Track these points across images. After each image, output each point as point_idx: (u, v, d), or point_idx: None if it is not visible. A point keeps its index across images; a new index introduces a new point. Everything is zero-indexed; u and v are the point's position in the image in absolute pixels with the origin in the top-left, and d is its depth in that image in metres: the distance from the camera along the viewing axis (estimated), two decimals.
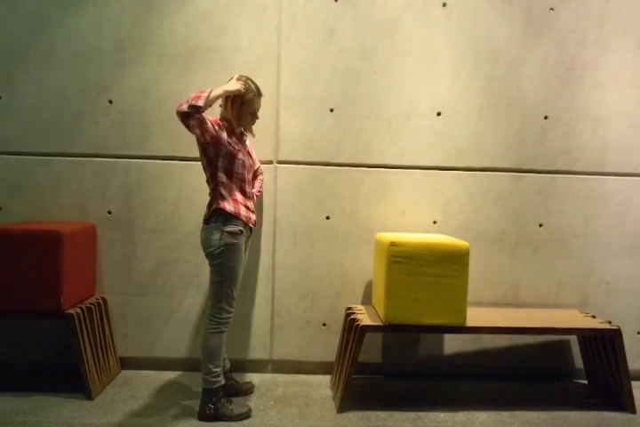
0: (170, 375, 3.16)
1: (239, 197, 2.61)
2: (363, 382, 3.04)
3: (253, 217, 2.69)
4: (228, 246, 2.54)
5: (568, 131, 3.22)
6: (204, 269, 3.18)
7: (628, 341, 3.04)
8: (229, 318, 2.62)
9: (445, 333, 3.03)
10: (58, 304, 2.72)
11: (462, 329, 2.73)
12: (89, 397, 2.78)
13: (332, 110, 3.15)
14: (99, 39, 3.09)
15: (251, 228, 2.70)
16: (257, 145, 3.14)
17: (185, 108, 2.39)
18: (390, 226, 3.15)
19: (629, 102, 3.22)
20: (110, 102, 3.12)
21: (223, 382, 2.64)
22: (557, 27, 3.17)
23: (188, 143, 3.13)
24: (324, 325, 3.22)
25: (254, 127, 2.78)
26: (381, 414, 2.73)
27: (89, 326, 2.87)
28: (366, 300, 3.20)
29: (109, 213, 3.16)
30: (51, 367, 3.13)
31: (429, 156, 3.19)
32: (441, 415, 2.74)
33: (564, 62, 3.19)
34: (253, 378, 3.14)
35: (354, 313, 2.95)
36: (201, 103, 2.39)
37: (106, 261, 3.17)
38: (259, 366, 3.24)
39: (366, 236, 3.17)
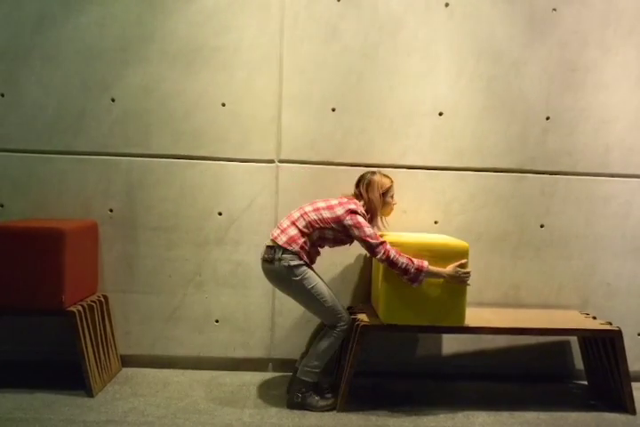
0: (171, 373, 3.16)
1: (311, 250, 2.76)
2: (363, 382, 3.04)
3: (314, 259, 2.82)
4: (299, 276, 2.67)
5: (570, 132, 3.21)
6: (206, 268, 3.19)
7: (629, 342, 3.03)
8: (344, 324, 2.73)
9: (445, 333, 3.04)
10: (59, 302, 2.72)
11: (462, 330, 2.73)
12: (90, 394, 2.79)
13: (333, 110, 3.16)
14: (102, 38, 3.10)
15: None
16: (258, 144, 3.15)
17: (385, 259, 2.60)
18: (391, 226, 3.15)
19: (632, 103, 3.22)
20: (113, 101, 3.12)
21: (318, 379, 2.76)
22: (560, 27, 3.16)
23: (191, 142, 3.15)
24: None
25: None
26: (381, 414, 2.73)
27: (90, 324, 2.88)
28: (367, 299, 3.20)
29: (111, 211, 3.16)
30: (52, 365, 3.13)
31: (431, 156, 3.20)
32: (441, 415, 2.74)
33: (566, 63, 3.18)
34: (254, 377, 3.14)
35: (354, 313, 2.95)
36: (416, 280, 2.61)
37: (107, 259, 3.18)
38: (259, 364, 3.25)
39: None
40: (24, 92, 3.11)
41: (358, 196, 2.81)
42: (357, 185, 2.84)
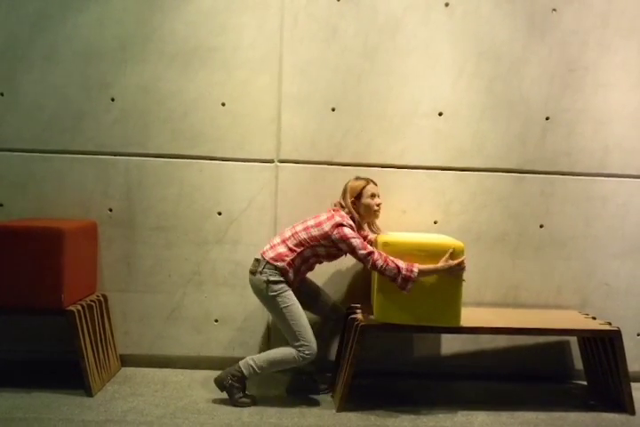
0: (170, 373, 3.16)
1: (301, 268, 2.78)
2: (362, 382, 3.04)
3: (295, 281, 2.80)
4: (276, 292, 2.68)
5: (569, 132, 3.22)
6: (205, 267, 3.19)
7: (628, 342, 3.04)
8: (311, 355, 2.70)
9: (443, 333, 3.03)
10: (58, 301, 2.72)
11: (459, 330, 2.73)
12: (89, 393, 2.78)
13: (333, 110, 3.16)
14: (100, 37, 3.09)
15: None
16: (258, 144, 3.15)
17: (374, 268, 2.61)
18: (391, 226, 3.15)
19: (631, 104, 3.22)
20: (112, 100, 3.12)
21: (248, 377, 2.74)
22: (560, 28, 3.16)
23: (189, 141, 3.15)
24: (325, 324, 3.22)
25: None
26: (380, 414, 2.73)
27: (89, 323, 2.88)
28: (366, 299, 3.19)
29: (110, 210, 3.16)
30: (51, 364, 3.13)
31: (431, 156, 3.20)
32: (440, 415, 2.74)
33: (566, 63, 3.18)
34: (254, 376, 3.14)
35: (354, 313, 2.95)
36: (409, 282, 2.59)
37: (107, 258, 3.18)
38: None
39: None
40: (23, 91, 3.10)
41: (340, 205, 2.82)
42: (339, 199, 2.86)
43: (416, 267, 2.58)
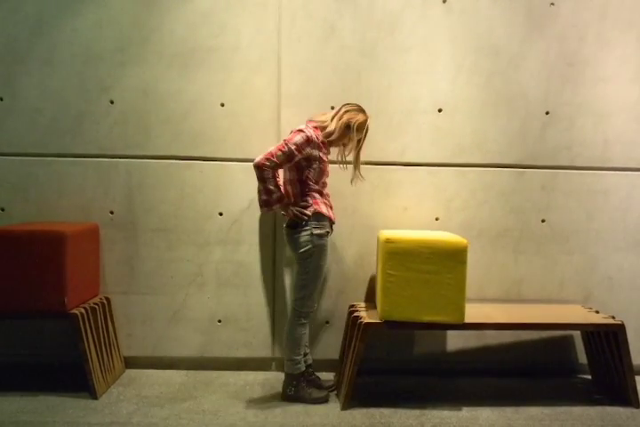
0: (174, 374, 3.17)
1: (325, 200, 2.81)
2: (367, 380, 3.05)
3: (333, 215, 2.84)
4: (317, 248, 2.71)
5: (569, 126, 3.21)
6: (207, 268, 3.19)
7: (632, 336, 3.03)
8: (310, 311, 2.80)
9: (447, 329, 3.03)
10: (62, 304, 2.73)
11: (463, 326, 2.73)
12: (94, 396, 2.79)
13: (332, 108, 3.14)
14: (99, 40, 3.09)
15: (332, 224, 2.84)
16: (258, 144, 3.14)
17: (259, 165, 2.63)
18: (392, 223, 3.15)
19: (631, 97, 3.21)
20: (111, 102, 3.12)
21: (303, 368, 2.82)
22: (558, 22, 3.15)
23: (190, 142, 3.15)
24: (328, 322, 3.23)
25: None
26: (385, 411, 2.73)
27: (93, 326, 2.88)
28: (369, 297, 3.20)
29: (112, 213, 3.16)
30: (55, 367, 3.14)
31: (431, 152, 3.19)
32: (445, 412, 2.75)
33: (565, 57, 3.18)
34: (257, 376, 3.15)
35: (357, 311, 2.95)
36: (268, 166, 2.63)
37: (109, 261, 3.18)
38: (262, 364, 3.25)
39: (369, 233, 3.17)
40: (22, 95, 3.10)
41: (336, 112, 2.80)
42: (342, 105, 2.83)
43: (280, 203, 2.70)
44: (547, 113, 3.19)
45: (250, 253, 3.16)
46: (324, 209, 2.74)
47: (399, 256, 2.66)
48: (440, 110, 3.17)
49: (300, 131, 2.69)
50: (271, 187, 2.65)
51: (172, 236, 3.18)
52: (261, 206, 2.71)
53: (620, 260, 3.27)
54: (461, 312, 2.68)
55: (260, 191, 2.68)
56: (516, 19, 3.14)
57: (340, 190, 3.11)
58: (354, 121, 2.77)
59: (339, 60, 3.13)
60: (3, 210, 3.14)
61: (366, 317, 2.82)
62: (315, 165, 2.73)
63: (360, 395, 2.84)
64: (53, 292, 2.72)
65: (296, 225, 2.73)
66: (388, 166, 3.18)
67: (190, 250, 3.18)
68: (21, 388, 2.89)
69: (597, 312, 3.05)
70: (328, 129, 2.76)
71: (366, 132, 2.81)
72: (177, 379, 3.10)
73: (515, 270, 3.26)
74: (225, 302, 3.21)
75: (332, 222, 2.81)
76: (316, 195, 2.76)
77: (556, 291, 3.27)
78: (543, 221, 3.24)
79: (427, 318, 2.68)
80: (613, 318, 2.93)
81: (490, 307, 3.12)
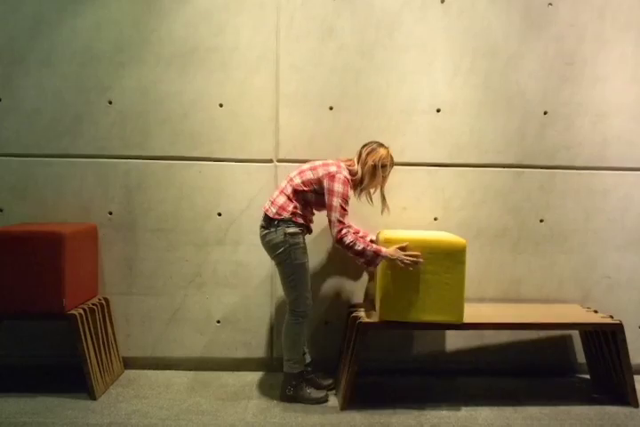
0: (173, 375, 3.16)
1: (308, 218, 2.80)
2: (366, 380, 3.05)
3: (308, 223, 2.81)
4: (293, 246, 2.67)
5: (568, 126, 3.21)
6: (206, 269, 3.19)
7: (631, 335, 3.04)
8: (306, 310, 2.77)
9: (446, 329, 3.03)
10: (60, 305, 2.72)
11: (462, 326, 2.73)
12: (92, 397, 2.79)
13: (331, 108, 3.15)
14: (97, 40, 3.09)
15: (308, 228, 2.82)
16: (256, 144, 3.15)
17: (338, 239, 2.61)
18: (391, 223, 3.15)
19: (629, 97, 3.21)
20: (110, 103, 3.12)
21: (302, 368, 2.82)
22: (556, 21, 3.16)
23: (188, 143, 3.15)
24: (326, 323, 3.23)
25: None
26: (384, 411, 2.73)
27: (91, 327, 2.88)
28: (368, 297, 3.19)
29: (110, 213, 3.16)
30: (54, 368, 3.13)
31: (429, 152, 3.19)
32: (444, 412, 2.75)
33: (563, 57, 3.18)
34: (256, 377, 3.15)
35: (355, 311, 2.95)
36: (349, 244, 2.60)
37: (108, 261, 3.18)
38: (261, 364, 3.25)
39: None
40: (21, 95, 3.10)
41: (357, 156, 2.80)
42: (362, 147, 2.83)
43: (383, 248, 2.61)
44: (545, 113, 3.20)
45: (249, 253, 3.16)
46: (300, 220, 2.71)
47: None
48: (438, 110, 3.17)
49: (334, 176, 2.65)
50: (360, 248, 2.58)
51: (170, 236, 3.17)
52: (367, 267, 2.67)
53: (618, 259, 3.27)
54: (460, 312, 2.68)
55: (355, 257, 2.63)
56: (514, 19, 3.14)
57: None
58: (378, 160, 2.76)
59: (337, 60, 3.13)
60: (1, 210, 3.13)
61: (365, 317, 2.82)
62: (323, 198, 2.71)
63: (359, 395, 2.84)
64: (52, 292, 2.72)
65: (269, 224, 2.71)
66: None
67: (189, 250, 3.18)
68: (20, 389, 2.89)
69: (596, 312, 3.05)
70: (357, 176, 2.76)
71: (392, 162, 2.83)
72: (176, 380, 3.10)
73: (513, 270, 3.26)
74: (224, 302, 3.21)
75: (308, 229, 2.79)
76: (302, 211, 2.73)
77: (555, 290, 3.28)
78: (542, 220, 3.25)
79: (425, 318, 2.68)
80: (612, 317, 2.93)
81: (488, 307, 3.13)
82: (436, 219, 3.22)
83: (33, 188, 3.13)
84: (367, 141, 2.86)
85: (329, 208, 2.63)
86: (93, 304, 2.96)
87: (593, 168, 3.23)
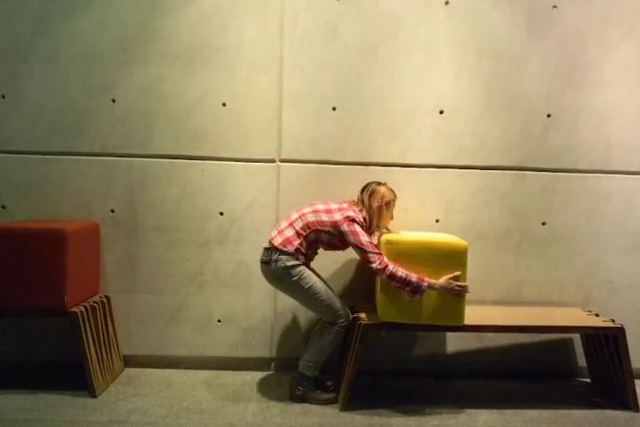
0: (173, 373, 3.16)
1: (308, 251, 2.79)
2: (366, 381, 3.04)
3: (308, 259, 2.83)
4: (298, 275, 2.70)
5: (571, 129, 3.21)
6: (207, 268, 3.20)
7: (632, 339, 3.02)
8: (343, 322, 2.77)
9: (447, 331, 3.03)
10: (62, 302, 2.73)
11: (463, 328, 2.72)
12: (93, 394, 2.79)
13: (334, 109, 3.15)
14: (102, 38, 3.10)
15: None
16: (259, 143, 3.15)
17: (382, 269, 2.60)
18: (393, 225, 3.15)
19: (633, 100, 3.21)
20: (114, 101, 3.13)
21: (317, 373, 2.83)
22: (560, 24, 3.16)
23: (192, 142, 3.16)
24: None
25: None
26: (384, 413, 2.73)
27: (93, 325, 2.88)
28: (368, 299, 3.19)
29: (113, 211, 3.17)
30: (54, 365, 3.14)
31: (432, 154, 3.19)
32: (444, 414, 2.74)
33: (567, 60, 3.18)
34: (256, 376, 3.15)
35: (356, 311, 2.95)
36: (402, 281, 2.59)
37: (109, 259, 3.18)
38: (261, 364, 3.25)
39: None
40: (25, 93, 3.11)
41: (360, 202, 2.82)
42: (361, 191, 2.86)
43: (426, 281, 2.59)
44: (548, 115, 3.19)
45: (250, 252, 3.16)
46: (301, 258, 2.72)
47: (400, 258, 2.65)
48: (441, 112, 3.17)
49: (354, 219, 2.68)
50: (403, 276, 2.57)
51: (172, 235, 3.18)
52: (414, 295, 2.61)
53: (620, 263, 3.27)
54: (461, 314, 2.68)
55: (401, 287, 2.60)
56: (518, 21, 3.14)
57: (342, 191, 3.11)
58: (381, 200, 2.79)
59: (341, 61, 3.13)
60: (4, 208, 3.14)
61: (366, 318, 2.81)
62: (335, 239, 2.74)
63: (359, 396, 2.83)
64: (53, 290, 2.72)
65: (269, 258, 2.72)
66: (389, 168, 3.18)
67: (191, 249, 3.18)
68: (20, 386, 2.89)
69: (597, 315, 3.05)
70: (367, 220, 2.78)
71: (394, 196, 2.86)
72: (176, 378, 3.10)
73: (515, 273, 3.25)
74: (225, 301, 3.21)
75: (306, 265, 2.78)
76: (306, 250, 2.74)
77: (556, 294, 3.27)
78: (544, 223, 3.24)
79: (426, 320, 2.68)
80: (613, 321, 2.92)
81: (489, 309, 3.12)
82: (437, 221, 3.22)
83: (36, 185, 3.14)
84: (363, 185, 2.87)
85: (359, 246, 2.64)
86: (95, 302, 2.96)
87: (596, 171, 3.23)
